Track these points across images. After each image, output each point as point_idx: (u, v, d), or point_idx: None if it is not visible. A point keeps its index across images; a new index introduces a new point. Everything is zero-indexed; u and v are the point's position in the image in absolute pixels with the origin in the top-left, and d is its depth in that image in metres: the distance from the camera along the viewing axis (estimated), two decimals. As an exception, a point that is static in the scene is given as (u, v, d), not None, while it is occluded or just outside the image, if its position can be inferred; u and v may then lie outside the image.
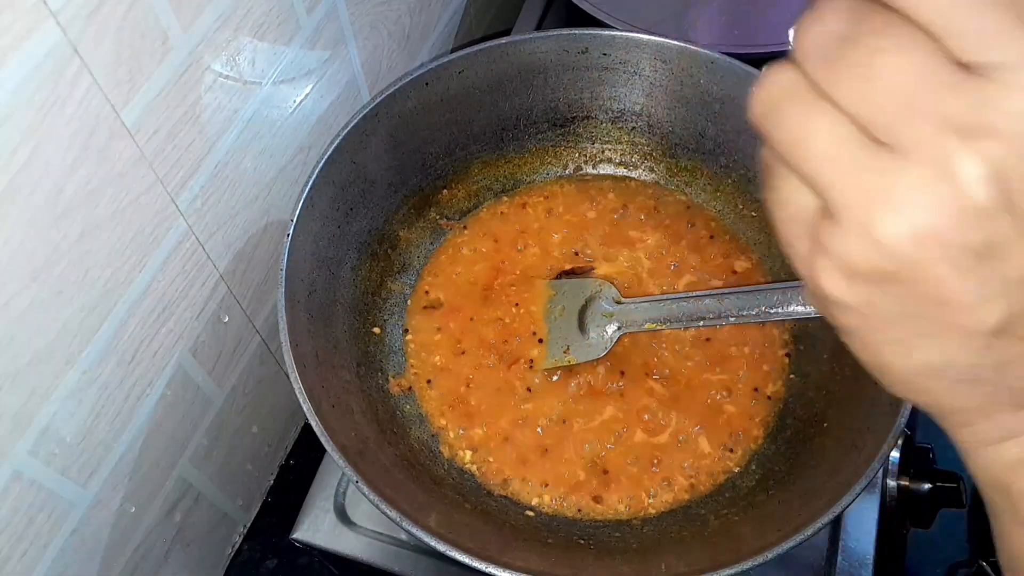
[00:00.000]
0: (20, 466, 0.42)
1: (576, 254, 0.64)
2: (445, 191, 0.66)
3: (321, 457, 0.59)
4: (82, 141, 0.39)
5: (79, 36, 0.37)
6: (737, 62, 0.59)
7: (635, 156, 0.68)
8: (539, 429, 0.56)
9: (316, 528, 0.55)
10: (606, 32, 0.62)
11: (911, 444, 0.59)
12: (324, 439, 0.45)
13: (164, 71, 0.43)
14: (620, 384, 0.57)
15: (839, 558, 0.53)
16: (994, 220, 0.20)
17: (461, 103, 0.62)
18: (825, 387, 0.55)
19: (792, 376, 0.58)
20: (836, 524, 0.54)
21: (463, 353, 0.60)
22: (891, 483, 0.56)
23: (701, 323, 0.55)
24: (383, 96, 0.57)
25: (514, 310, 0.61)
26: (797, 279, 0.51)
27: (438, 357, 0.60)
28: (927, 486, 0.56)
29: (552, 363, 0.58)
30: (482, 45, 0.60)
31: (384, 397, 0.57)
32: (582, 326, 0.58)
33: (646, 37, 0.61)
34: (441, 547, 0.42)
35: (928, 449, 0.59)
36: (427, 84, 0.59)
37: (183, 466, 0.57)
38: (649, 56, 0.62)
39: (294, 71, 0.55)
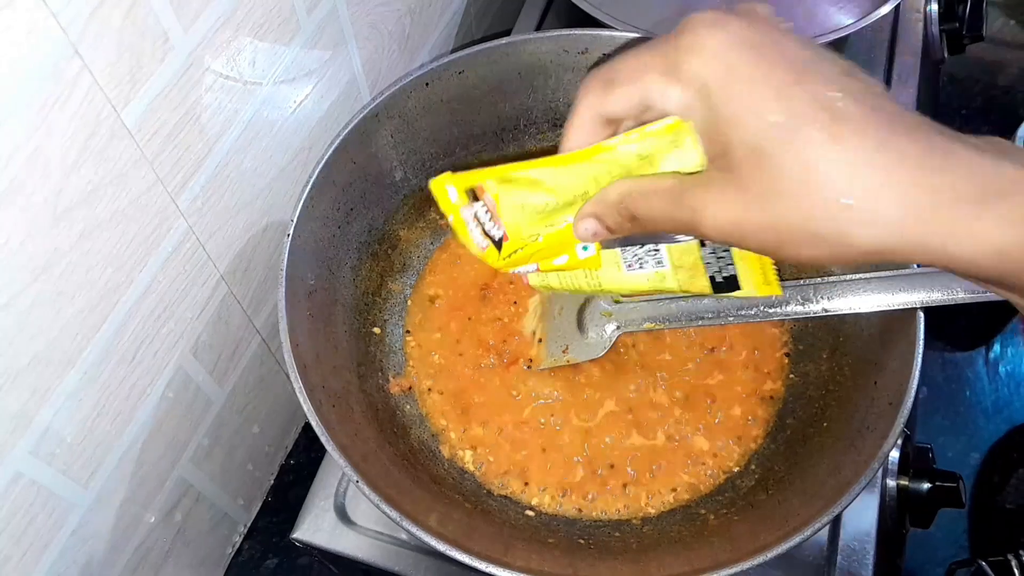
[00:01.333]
0: (21, 466, 0.42)
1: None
2: (445, 191, 0.66)
3: (321, 457, 0.59)
4: (82, 141, 0.39)
5: (80, 36, 0.37)
6: (737, 62, 0.59)
7: (635, 156, 0.68)
8: (539, 429, 0.56)
9: (316, 528, 0.55)
10: (606, 32, 0.61)
11: (910, 444, 0.59)
12: (324, 439, 0.45)
13: (164, 71, 0.43)
14: (619, 384, 0.57)
15: (838, 558, 0.53)
16: None
17: (461, 103, 0.62)
18: (825, 387, 0.55)
19: (792, 376, 0.58)
20: (835, 524, 0.54)
21: (463, 353, 0.60)
22: (890, 483, 0.56)
23: (700, 322, 0.55)
24: (383, 96, 0.57)
25: (512, 309, 0.61)
26: (796, 279, 0.52)
27: (438, 357, 0.60)
28: (926, 486, 0.56)
29: (551, 363, 0.58)
30: (482, 45, 0.60)
31: (384, 397, 0.57)
32: (581, 325, 0.58)
33: (646, 37, 0.61)
34: (442, 547, 0.42)
35: (927, 449, 0.59)
36: (427, 84, 0.59)
37: (183, 466, 0.57)
38: (649, 56, 0.62)
39: (294, 71, 0.55)
